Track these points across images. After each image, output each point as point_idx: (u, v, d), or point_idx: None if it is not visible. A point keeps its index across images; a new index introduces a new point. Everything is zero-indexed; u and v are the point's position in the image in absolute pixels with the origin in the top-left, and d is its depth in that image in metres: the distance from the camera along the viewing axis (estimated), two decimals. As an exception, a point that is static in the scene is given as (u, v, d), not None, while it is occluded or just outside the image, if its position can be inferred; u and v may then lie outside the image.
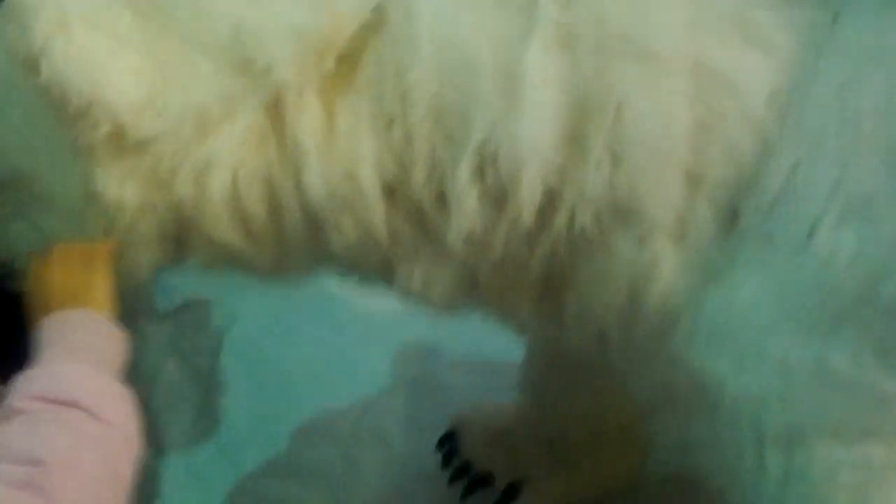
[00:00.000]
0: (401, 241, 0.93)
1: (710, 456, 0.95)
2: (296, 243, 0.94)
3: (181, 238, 0.94)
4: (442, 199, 0.89)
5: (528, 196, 0.86)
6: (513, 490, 1.44)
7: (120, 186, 0.87)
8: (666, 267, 0.89)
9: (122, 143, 0.84)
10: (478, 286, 0.99)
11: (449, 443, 1.53)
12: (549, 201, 0.88)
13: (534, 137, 0.84)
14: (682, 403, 0.94)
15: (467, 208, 0.88)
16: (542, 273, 0.94)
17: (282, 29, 0.85)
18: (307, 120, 0.87)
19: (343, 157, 0.88)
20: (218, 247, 0.94)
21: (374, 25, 0.88)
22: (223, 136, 0.86)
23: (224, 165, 0.87)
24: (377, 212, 0.90)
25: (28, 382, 0.79)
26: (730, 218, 0.86)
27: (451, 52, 0.86)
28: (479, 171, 0.86)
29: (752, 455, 0.90)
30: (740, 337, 0.87)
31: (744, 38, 0.85)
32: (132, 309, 0.99)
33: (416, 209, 0.91)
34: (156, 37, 0.85)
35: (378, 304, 1.67)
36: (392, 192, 0.90)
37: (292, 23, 0.86)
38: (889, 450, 0.86)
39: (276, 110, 0.88)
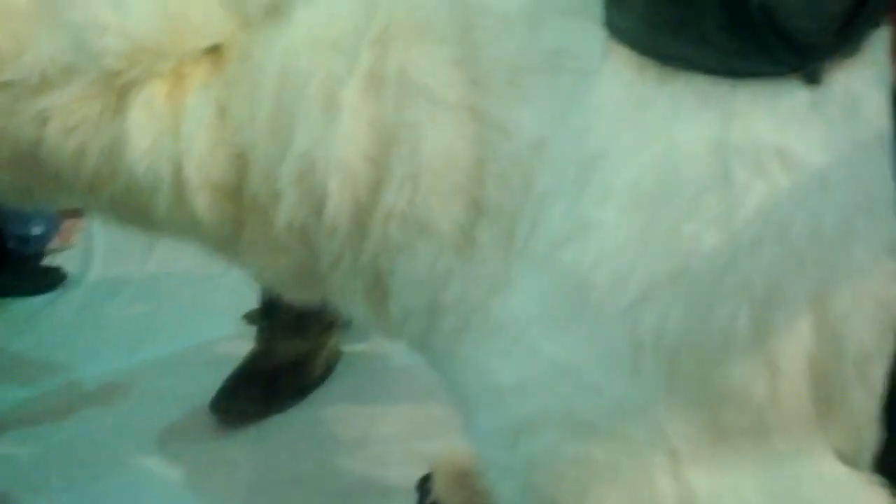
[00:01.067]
0: (224, 227, 1.14)
1: (484, 448, 1.08)
2: (124, 200, 1.15)
3: (33, 169, 1.14)
4: (275, 195, 1.09)
5: (340, 205, 1.05)
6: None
7: None
8: (456, 277, 1.04)
9: None
10: (320, 281, 1.18)
11: (425, 483, 1.71)
12: (364, 212, 1.06)
13: (343, 158, 1.03)
14: (470, 401, 1.08)
15: (289, 203, 1.08)
16: (370, 275, 1.11)
17: (118, 27, 1.06)
18: (141, 107, 1.08)
19: (173, 148, 1.08)
20: (60, 185, 1.15)
21: (236, 46, 1.10)
22: (59, 94, 1.08)
23: (59, 119, 1.08)
24: (200, 198, 1.10)
25: None
26: (508, 239, 1.01)
27: (290, 81, 1.07)
28: (300, 177, 1.06)
29: (508, 441, 1.02)
30: (509, 336, 1.00)
31: (518, 96, 1.01)
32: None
33: (253, 201, 1.11)
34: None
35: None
36: (222, 187, 1.11)
37: (130, 24, 1.06)
38: (607, 449, 0.94)
39: (119, 89, 1.08)
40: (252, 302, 2.28)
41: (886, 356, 0.89)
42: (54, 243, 3.16)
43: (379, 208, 1.05)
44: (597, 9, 0.97)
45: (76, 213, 3.41)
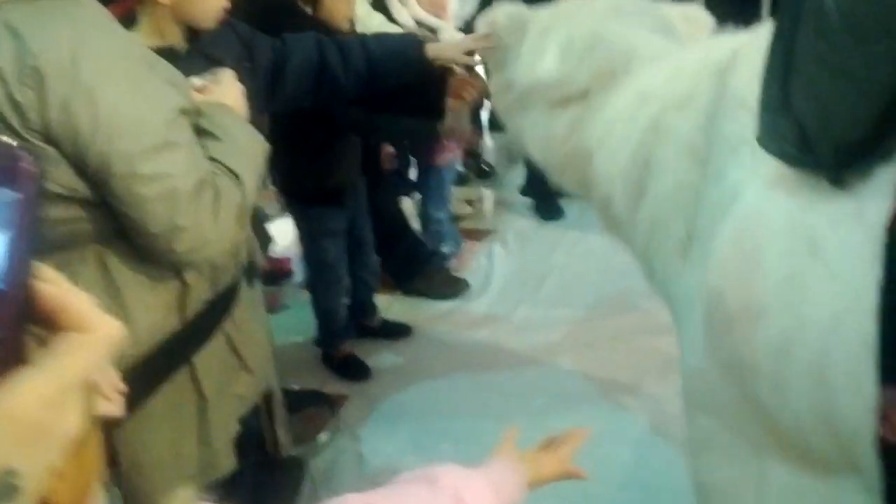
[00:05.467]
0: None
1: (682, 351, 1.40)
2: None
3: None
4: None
5: (623, 197, 1.53)
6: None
7: None
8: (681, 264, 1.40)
9: None
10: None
11: None
12: (634, 207, 1.50)
13: (622, 169, 1.54)
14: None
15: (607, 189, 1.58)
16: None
17: None
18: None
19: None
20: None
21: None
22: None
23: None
24: None
25: None
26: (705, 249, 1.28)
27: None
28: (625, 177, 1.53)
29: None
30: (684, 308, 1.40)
31: (732, 157, 1.24)
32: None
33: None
34: None
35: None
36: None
37: None
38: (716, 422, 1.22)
39: None
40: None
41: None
42: (455, 263, 3.72)
43: (643, 206, 1.46)
44: None
45: (478, 236, 3.99)
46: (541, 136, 1.74)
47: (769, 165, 1.10)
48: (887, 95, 0.93)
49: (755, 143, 1.12)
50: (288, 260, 3.62)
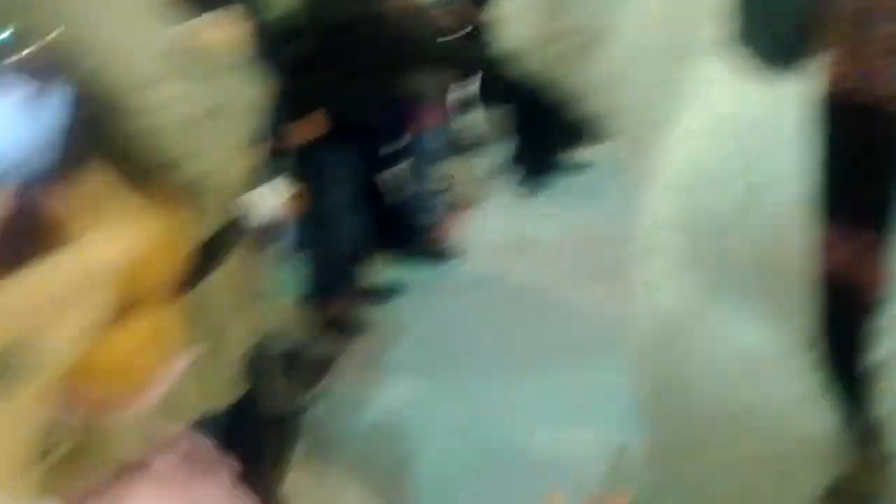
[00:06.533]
0: None
1: None
2: None
3: None
4: None
5: None
6: None
7: None
8: None
9: None
10: None
11: None
12: None
13: None
14: None
15: None
16: None
17: None
18: None
19: None
20: None
21: None
22: None
23: None
24: None
25: None
26: None
27: None
28: None
29: None
30: None
31: None
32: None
33: None
34: None
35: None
36: None
37: None
38: None
39: None
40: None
41: None
42: (442, 230, 3.78)
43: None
44: None
45: (464, 207, 3.97)
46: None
47: (731, 62, 1.30)
48: None
49: (722, 43, 1.30)
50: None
